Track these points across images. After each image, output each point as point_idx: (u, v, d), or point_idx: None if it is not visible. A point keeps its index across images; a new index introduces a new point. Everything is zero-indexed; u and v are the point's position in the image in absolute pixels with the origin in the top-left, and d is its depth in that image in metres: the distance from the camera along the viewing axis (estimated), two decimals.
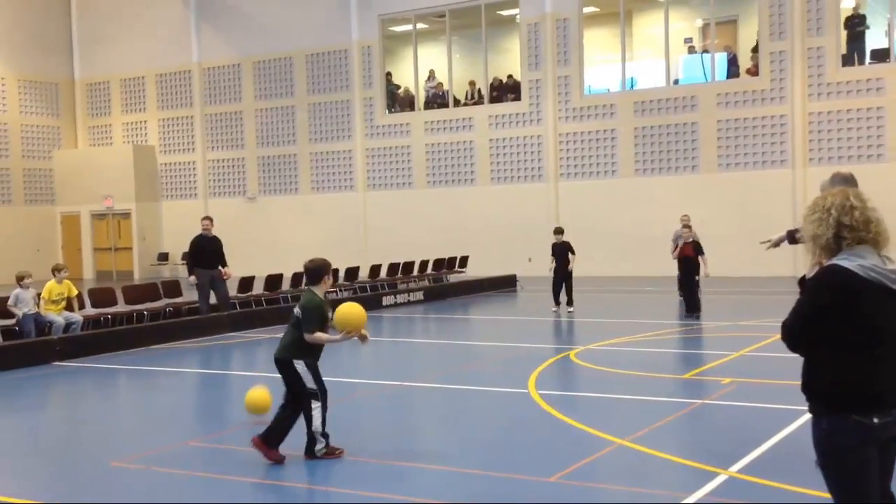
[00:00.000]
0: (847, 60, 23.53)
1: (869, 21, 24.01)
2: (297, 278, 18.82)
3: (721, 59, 25.52)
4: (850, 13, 23.86)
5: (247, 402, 7.75)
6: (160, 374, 12.26)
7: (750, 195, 23.97)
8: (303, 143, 30.99)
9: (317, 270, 7.17)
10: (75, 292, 14.61)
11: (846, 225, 3.52)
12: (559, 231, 16.95)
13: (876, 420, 3.47)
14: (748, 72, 25.05)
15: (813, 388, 3.62)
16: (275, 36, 30.89)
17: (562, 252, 16.56)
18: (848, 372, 3.49)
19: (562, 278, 16.52)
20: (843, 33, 23.63)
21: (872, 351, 3.48)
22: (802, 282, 3.92)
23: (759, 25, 24.39)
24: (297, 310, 7.16)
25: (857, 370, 3.49)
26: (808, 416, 8.05)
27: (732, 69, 25.40)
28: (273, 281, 18.23)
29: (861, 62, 23.66)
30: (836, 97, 23.34)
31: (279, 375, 7.20)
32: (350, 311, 7.07)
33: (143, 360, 13.14)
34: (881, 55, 23.61)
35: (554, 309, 16.53)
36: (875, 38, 24.10)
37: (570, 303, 16.45)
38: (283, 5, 30.71)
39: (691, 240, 15.56)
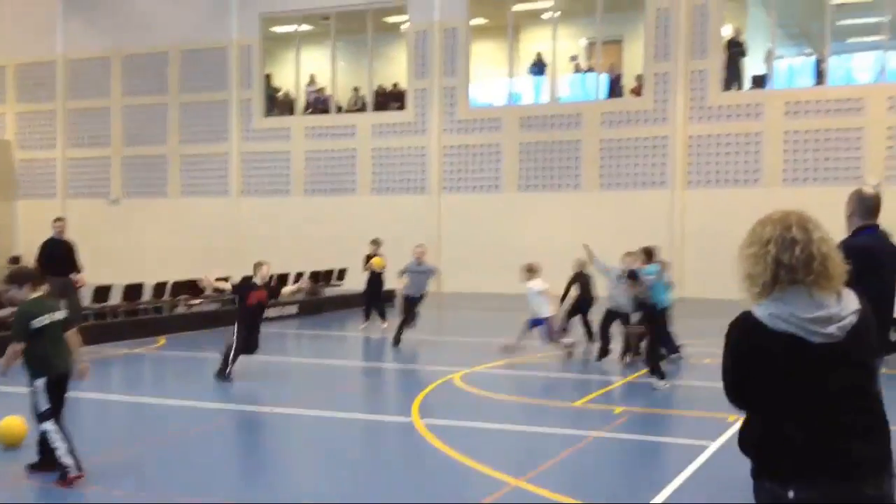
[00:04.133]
0: (727, 85, 23.87)
1: (748, 47, 24.46)
2: (159, 288, 17.46)
3: (605, 78, 25.53)
4: (730, 38, 24.23)
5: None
6: None
7: (630, 215, 23.96)
8: (173, 144, 29.36)
9: (18, 276, 6.68)
10: None
11: (784, 264, 2.86)
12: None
13: (791, 494, 2.83)
14: (632, 91, 25.14)
15: (742, 446, 3.03)
16: (148, 29, 29.18)
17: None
18: (769, 434, 2.90)
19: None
20: (724, 57, 23.96)
21: (795, 412, 2.85)
22: None
23: (644, 46, 24.48)
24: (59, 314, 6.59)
25: (778, 432, 2.87)
26: (710, 452, 7.65)
27: (616, 89, 25.45)
28: (132, 291, 16.82)
29: (740, 87, 24.06)
30: (716, 121, 23.62)
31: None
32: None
33: None
34: (760, 81, 24.06)
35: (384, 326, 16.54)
36: (754, 65, 24.56)
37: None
38: None
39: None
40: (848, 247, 4.14)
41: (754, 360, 2.87)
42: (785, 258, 2.86)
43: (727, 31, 24.36)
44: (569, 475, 7.08)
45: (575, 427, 8.68)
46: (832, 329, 2.82)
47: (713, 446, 7.69)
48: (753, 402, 2.94)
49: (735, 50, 24.12)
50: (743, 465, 3.03)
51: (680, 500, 6.23)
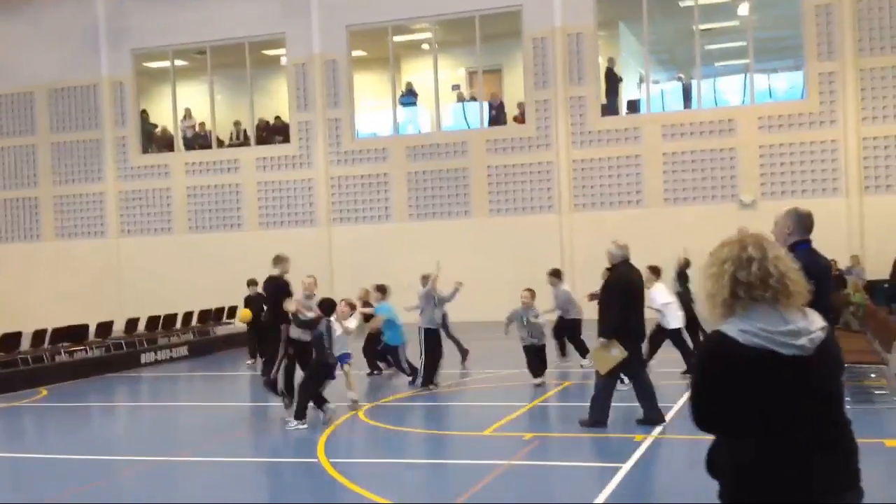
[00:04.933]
0: (606, 110, 24.51)
1: (622, 74, 25.22)
2: (39, 336, 16.53)
3: (487, 107, 25.83)
4: (606, 66, 24.93)
5: None
6: None
7: (520, 239, 24.21)
8: (45, 186, 28.08)
9: None
10: None
11: (742, 282, 2.92)
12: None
13: None
14: (515, 119, 25.53)
15: (712, 470, 2.98)
16: (12, 69, 27.91)
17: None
18: (745, 457, 2.87)
19: None
20: (603, 85, 24.62)
21: (767, 427, 2.84)
22: None
23: (523, 74, 24.90)
24: None
25: (749, 450, 2.86)
26: (623, 474, 7.66)
27: (499, 117, 25.79)
28: (9, 340, 15.85)
29: (617, 112, 24.75)
30: (597, 145, 24.19)
31: None
32: None
33: None
34: (635, 106, 24.82)
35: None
36: (629, 90, 25.33)
37: None
38: (22, 37, 27.86)
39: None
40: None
41: (728, 376, 2.85)
42: (742, 276, 2.93)
43: (602, 59, 25.08)
44: None
45: (487, 457, 8.57)
46: (804, 341, 2.85)
47: (625, 467, 7.70)
48: (725, 421, 2.90)
49: (610, 76, 24.84)
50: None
51: None
